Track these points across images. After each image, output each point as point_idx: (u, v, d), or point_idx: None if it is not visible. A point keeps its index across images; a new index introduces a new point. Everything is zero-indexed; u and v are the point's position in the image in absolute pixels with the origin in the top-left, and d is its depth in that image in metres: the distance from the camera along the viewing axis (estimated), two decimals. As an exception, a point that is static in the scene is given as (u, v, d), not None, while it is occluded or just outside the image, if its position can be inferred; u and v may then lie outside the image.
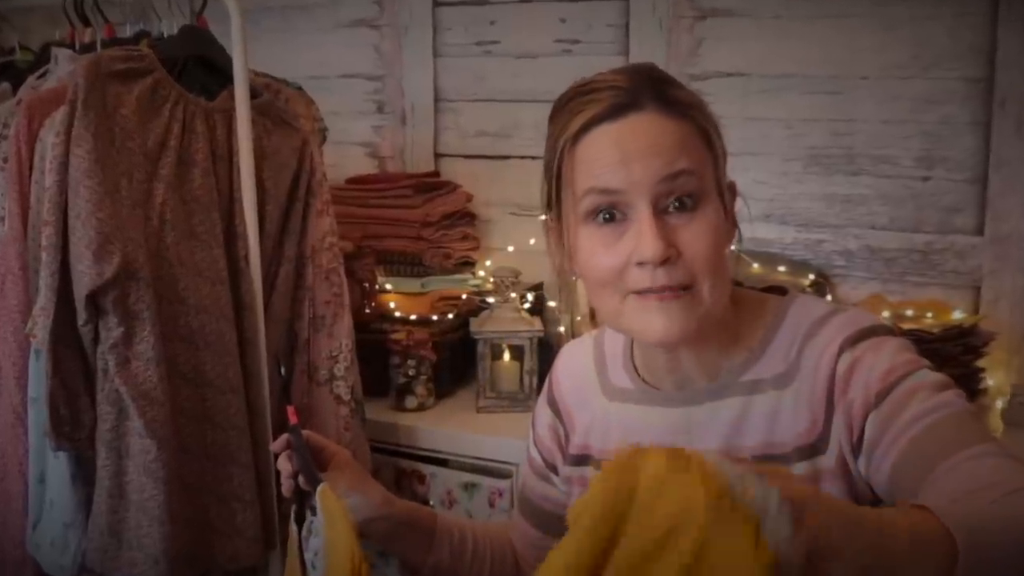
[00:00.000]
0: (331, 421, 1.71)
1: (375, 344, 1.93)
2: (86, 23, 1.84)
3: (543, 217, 1.04)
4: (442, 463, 1.85)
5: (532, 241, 2.05)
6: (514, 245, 2.20)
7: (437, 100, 2.30)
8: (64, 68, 1.65)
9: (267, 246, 1.66)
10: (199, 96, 1.58)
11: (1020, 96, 1.77)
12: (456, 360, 2.02)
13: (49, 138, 1.46)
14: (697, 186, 0.93)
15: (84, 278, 1.41)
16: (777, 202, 2.00)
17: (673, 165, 0.91)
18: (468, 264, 2.19)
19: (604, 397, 1.09)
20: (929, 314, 1.76)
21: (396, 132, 2.37)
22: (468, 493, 1.79)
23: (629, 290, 0.93)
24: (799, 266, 1.94)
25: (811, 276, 1.92)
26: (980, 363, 1.68)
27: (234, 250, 1.61)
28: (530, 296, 2.01)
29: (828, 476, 0.92)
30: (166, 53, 1.59)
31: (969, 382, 1.63)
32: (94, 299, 1.43)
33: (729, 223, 0.99)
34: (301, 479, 1.09)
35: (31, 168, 1.51)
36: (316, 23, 2.40)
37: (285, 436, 1.11)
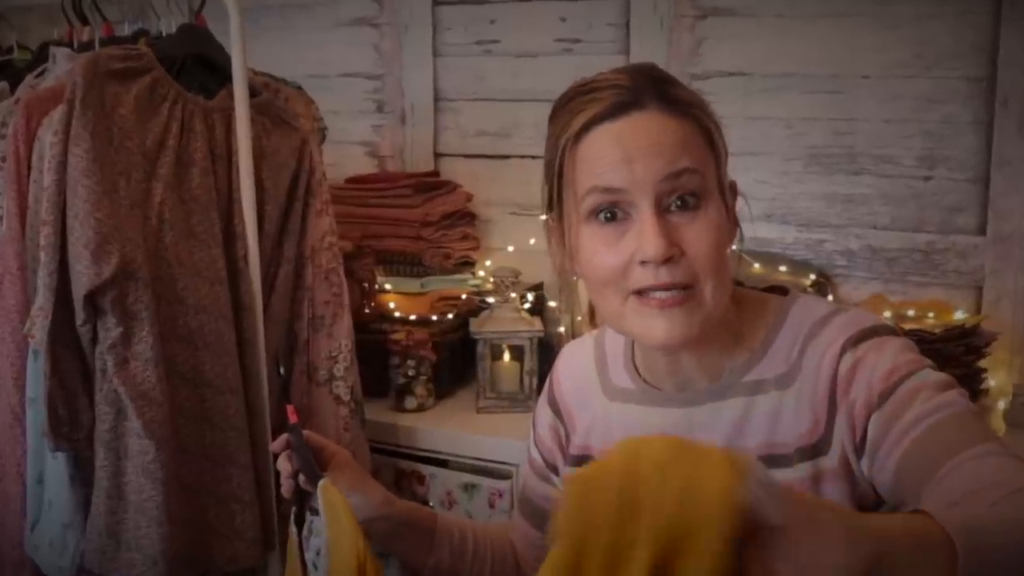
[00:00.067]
0: (330, 422, 1.71)
1: (375, 344, 1.92)
2: (84, 22, 1.84)
3: (543, 217, 1.04)
4: (442, 464, 1.84)
5: (532, 241, 2.05)
6: (514, 245, 2.19)
7: (437, 99, 2.30)
8: (62, 67, 1.64)
9: (266, 246, 1.66)
10: (198, 95, 1.58)
11: (1022, 95, 1.77)
12: (456, 360, 2.01)
13: (47, 137, 1.46)
14: (699, 185, 0.92)
15: (82, 278, 1.41)
16: (778, 202, 2.00)
17: (675, 164, 0.91)
18: (468, 264, 2.18)
19: (605, 397, 1.09)
20: (931, 314, 1.76)
21: (396, 131, 2.36)
22: (468, 494, 1.79)
23: (631, 289, 0.93)
24: (800, 266, 1.94)
25: (812, 276, 1.92)
26: (982, 363, 1.67)
27: (233, 250, 1.60)
28: (530, 296, 2.01)
29: (830, 477, 0.92)
30: (164, 52, 1.58)
31: (971, 382, 1.63)
32: (92, 299, 1.42)
33: (731, 222, 0.99)
34: (301, 478, 1.08)
35: (29, 167, 1.51)
36: (315, 22, 2.40)
37: (285, 436, 1.10)
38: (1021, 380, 1.78)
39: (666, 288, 0.91)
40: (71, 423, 1.47)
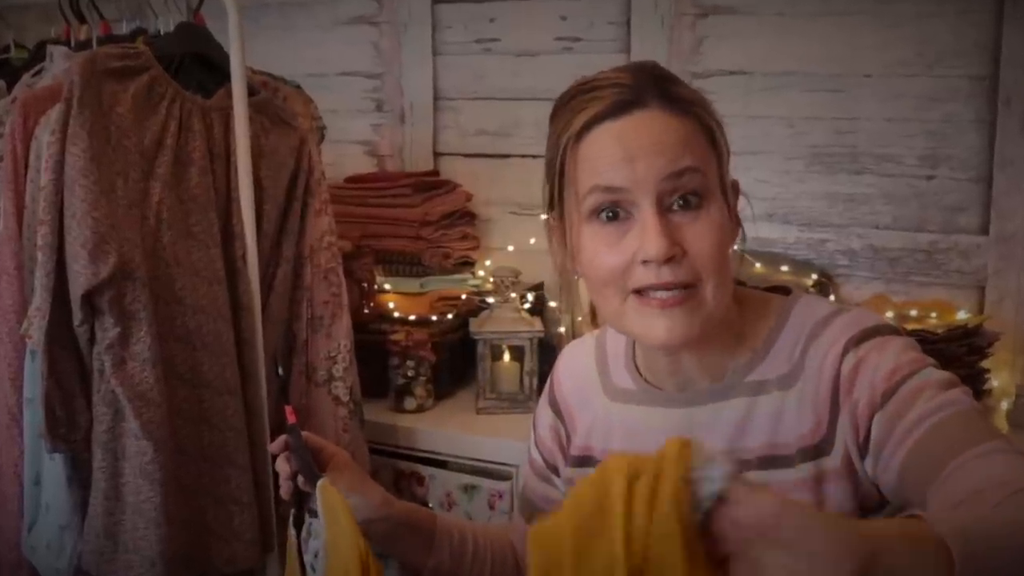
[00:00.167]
0: (329, 422, 1.71)
1: (374, 345, 1.92)
2: (82, 20, 1.84)
3: (544, 216, 1.03)
4: (441, 465, 1.84)
5: (532, 240, 2.05)
6: (514, 245, 2.19)
7: (436, 98, 2.30)
8: (59, 66, 1.64)
9: (265, 246, 1.65)
10: (196, 94, 1.58)
11: (1025, 94, 1.77)
12: (455, 361, 2.01)
13: (45, 136, 1.46)
14: (701, 184, 0.92)
15: (80, 278, 1.40)
16: (779, 201, 1.99)
17: (677, 163, 0.91)
18: (468, 264, 2.18)
19: (606, 397, 1.09)
20: (933, 314, 1.76)
21: (395, 130, 2.36)
22: (468, 495, 1.79)
23: (631, 289, 0.92)
24: (802, 266, 1.94)
25: (814, 276, 1.92)
26: (984, 364, 1.67)
27: (231, 250, 1.60)
28: (530, 296, 2.01)
29: (833, 477, 0.91)
30: (162, 50, 1.58)
31: (974, 383, 1.63)
32: (90, 299, 1.42)
33: (733, 222, 0.98)
34: (300, 480, 1.08)
35: (26, 167, 1.51)
36: (314, 20, 2.39)
37: (283, 437, 1.10)
38: (1024, 380, 1.78)
39: (667, 288, 0.91)
40: (68, 424, 1.46)
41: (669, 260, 0.90)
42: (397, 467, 1.86)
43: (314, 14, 2.39)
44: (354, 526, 1.02)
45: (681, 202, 0.92)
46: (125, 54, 1.51)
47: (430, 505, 1.80)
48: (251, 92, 1.61)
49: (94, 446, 1.46)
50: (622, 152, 0.91)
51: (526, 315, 1.92)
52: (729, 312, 0.97)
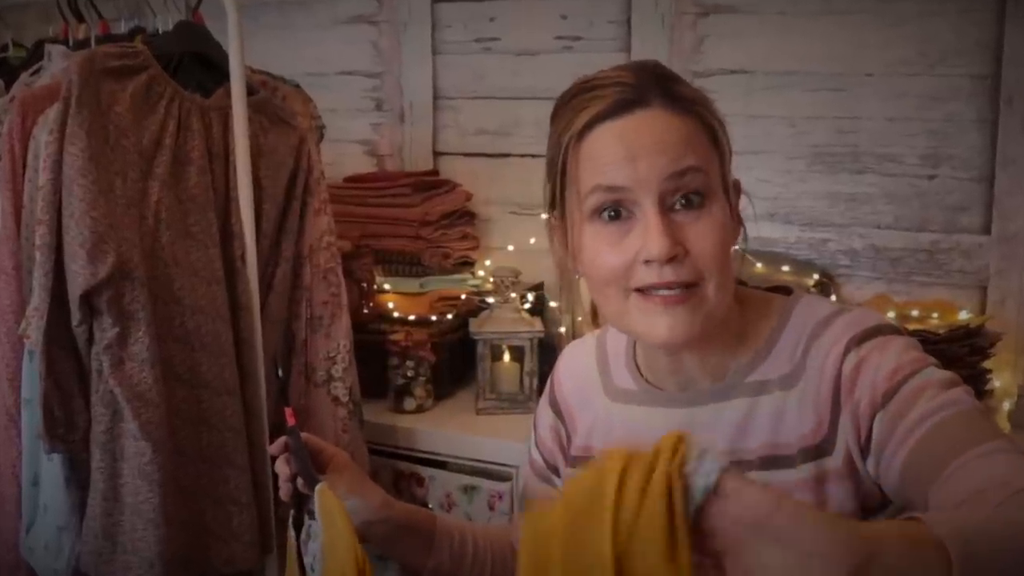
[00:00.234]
0: (329, 423, 1.71)
1: (373, 345, 1.91)
2: (80, 19, 1.83)
3: (544, 215, 1.03)
4: (441, 465, 1.83)
5: (532, 240, 2.04)
6: (514, 244, 2.18)
7: (436, 98, 2.29)
8: (58, 65, 1.63)
9: (264, 245, 1.65)
10: (195, 93, 1.58)
11: (1027, 93, 1.76)
12: (455, 361, 2.00)
13: (42, 136, 1.45)
14: (704, 183, 0.92)
15: (78, 278, 1.40)
16: (781, 201, 1.99)
17: (680, 162, 0.91)
18: (467, 264, 2.18)
19: (607, 397, 1.08)
20: (935, 314, 1.75)
21: (395, 130, 2.35)
22: (467, 496, 1.78)
23: (633, 288, 0.92)
24: (803, 266, 1.94)
25: (815, 276, 1.91)
26: (986, 364, 1.67)
27: (230, 250, 1.60)
28: (530, 296, 2.00)
29: (834, 477, 0.91)
30: (161, 49, 1.58)
31: (975, 383, 1.62)
32: (88, 299, 1.42)
33: (734, 221, 0.98)
34: (299, 482, 1.08)
35: (24, 166, 1.50)
36: (314, 19, 2.39)
37: (283, 439, 1.10)
38: (1026, 381, 1.77)
39: (669, 287, 0.91)
40: (67, 424, 1.46)
41: (671, 260, 0.90)
42: (397, 468, 1.85)
43: (313, 13, 2.39)
44: (351, 531, 1.01)
45: (683, 201, 0.91)
46: (124, 53, 1.50)
47: (430, 506, 1.80)
48: (250, 91, 1.61)
49: (92, 447, 1.45)
50: (624, 151, 0.91)
51: (526, 315, 1.92)
52: (731, 312, 0.97)
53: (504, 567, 1.19)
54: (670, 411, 1.01)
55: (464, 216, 2.21)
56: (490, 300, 1.94)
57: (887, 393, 0.87)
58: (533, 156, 2.13)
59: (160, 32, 1.70)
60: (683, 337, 0.92)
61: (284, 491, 1.10)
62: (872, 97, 1.89)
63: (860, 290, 1.95)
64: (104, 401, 1.44)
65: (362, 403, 1.77)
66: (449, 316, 2.00)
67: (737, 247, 0.99)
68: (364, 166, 2.38)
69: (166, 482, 1.45)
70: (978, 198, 1.84)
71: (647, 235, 0.90)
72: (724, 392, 0.98)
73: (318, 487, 1.04)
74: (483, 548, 1.18)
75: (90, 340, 1.44)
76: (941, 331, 1.62)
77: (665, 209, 0.91)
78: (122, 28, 1.79)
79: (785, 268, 1.89)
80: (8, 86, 1.73)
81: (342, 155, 2.33)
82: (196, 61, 1.61)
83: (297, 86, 1.87)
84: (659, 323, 0.91)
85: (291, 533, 1.09)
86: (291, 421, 1.10)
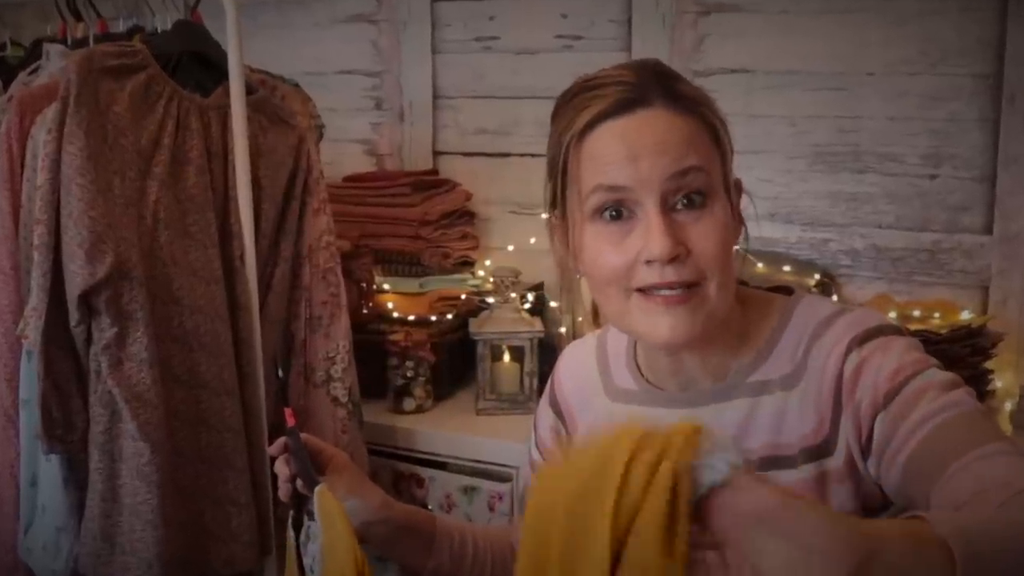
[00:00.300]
0: (328, 423, 1.70)
1: (373, 345, 1.91)
2: (78, 18, 1.83)
3: (544, 215, 1.03)
4: (441, 466, 1.83)
5: (532, 240, 2.04)
6: (514, 244, 2.18)
7: (436, 97, 2.29)
8: (56, 64, 1.63)
9: (263, 245, 1.65)
10: (194, 92, 1.57)
11: (1030, 92, 1.76)
12: (455, 361, 2.00)
13: (41, 135, 1.45)
14: (706, 183, 0.92)
15: (76, 278, 1.40)
16: (782, 200, 1.99)
17: (682, 162, 0.90)
18: (467, 264, 2.18)
19: (607, 397, 1.08)
20: (936, 315, 1.75)
21: (394, 129, 2.35)
22: (467, 497, 1.78)
23: (635, 288, 0.92)
24: (804, 266, 1.93)
25: (817, 276, 1.91)
26: (988, 364, 1.66)
27: (229, 249, 1.59)
28: (530, 296, 2.00)
29: (835, 478, 0.91)
30: (160, 49, 1.57)
31: (977, 384, 1.62)
32: (86, 299, 1.41)
33: (736, 221, 0.98)
34: (299, 483, 1.08)
35: (22, 166, 1.50)
36: (313, 18, 2.39)
37: (282, 439, 1.10)
38: (1028, 381, 1.77)
39: (671, 287, 0.90)
40: (65, 425, 1.46)
41: (673, 260, 0.89)
42: (396, 469, 1.85)
43: (312, 12, 2.38)
44: (350, 532, 1.02)
45: (685, 201, 0.91)
46: (122, 52, 1.50)
47: (429, 507, 1.79)
48: (249, 91, 1.60)
49: (91, 447, 1.45)
50: (626, 151, 0.90)
51: (526, 315, 1.91)
52: (732, 312, 0.97)
53: (504, 568, 1.19)
54: (671, 411, 1.01)
55: (464, 216, 2.20)
56: (490, 300, 1.94)
57: (888, 394, 0.87)
58: (533, 156, 2.12)
59: (159, 31, 1.70)
60: (684, 337, 0.92)
61: (283, 492, 1.09)
62: (873, 96, 1.89)
63: (861, 290, 1.94)
64: (102, 402, 1.44)
65: (361, 404, 1.77)
66: (449, 316, 1.99)
67: (738, 247, 0.98)
68: (363, 165, 2.37)
69: (165, 483, 1.45)
70: (980, 198, 1.84)
71: (649, 235, 0.89)
72: (725, 392, 0.98)
73: (317, 488, 1.04)
74: (483, 549, 1.18)
75: (88, 340, 1.44)
76: (943, 331, 1.62)
77: (667, 209, 0.90)
78: (120, 27, 1.79)
79: (786, 268, 1.89)
80: (6, 85, 1.73)
81: (341, 154, 2.32)
82: (195, 60, 1.61)
83: (296, 85, 1.87)
84: (661, 323, 0.91)
85: (290, 534, 1.09)
86: (291, 422, 1.09)
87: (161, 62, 1.54)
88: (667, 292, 0.91)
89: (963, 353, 1.61)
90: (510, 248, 2.19)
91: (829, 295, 1.88)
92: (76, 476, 1.49)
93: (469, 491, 1.78)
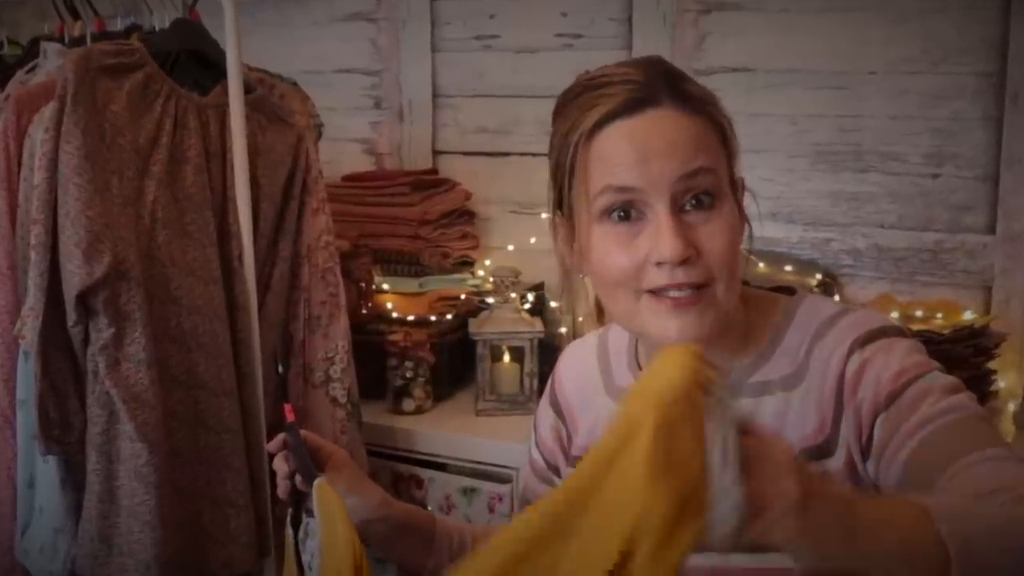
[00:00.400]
0: (327, 424, 1.70)
1: (372, 345, 1.90)
2: (76, 16, 1.83)
3: (545, 215, 1.02)
4: (440, 467, 1.82)
5: (533, 240, 2.03)
6: (514, 244, 2.17)
7: (435, 96, 2.28)
8: (53, 62, 1.62)
9: (261, 245, 1.64)
10: (192, 91, 1.57)
11: (1032, 91, 1.75)
12: (455, 362, 1.99)
13: (38, 134, 1.45)
14: (714, 183, 0.91)
15: (74, 278, 1.39)
16: (783, 200, 1.98)
17: (691, 163, 0.90)
18: (467, 263, 2.17)
19: (608, 397, 1.08)
20: (939, 315, 1.74)
21: (393, 128, 2.34)
22: (467, 498, 1.77)
23: (644, 289, 0.91)
24: (806, 266, 1.92)
25: (818, 276, 1.90)
26: (991, 365, 1.66)
27: (227, 249, 1.59)
28: (530, 296, 1.99)
29: (836, 478, 0.90)
30: (158, 47, 1.57)
31: (980, 384, 1.61)
32: (84, 299, 1.41)
33: (741, 220, 0.97)
34: (298, 479, 1.07)
35: (20, 165, 1.50)
36: (312, 16, 2.38)
37: (281, 436, 1.09)
38: (1030, 381, 1.76)
39: (680, 288, 0.90)
40: (62, 426, 1.45)
41: (684, 261, 0.89)
42: (395, 469, 1.84)
43: (311, 10, 2.38)
44: (350, 527, 1.01)
45: (694, 202, 0.90)
46: (120, 51, 1.50)
47: (429, 508, 1.79)
48: (247, 89, 1.60)
49: (88, 448, 1.45)
50: (636, 152, 0.89)
51: (526, 315, 1.91)
52: (735, 312, 0.96)
53: (504, 570, 1.18)
54: (672, 411, 1.00)
55: (463, 215, 2.20)
56: (490, 300, 1.93)
57: (890, 396, 0.87)
58: (533, 155, 2.12)
59: (156, 29, 1.69)
60: (693, 339, 0.90)
61: (282, 488, 1.09)
62: (875, 95, 1.88)
63: (863, 290, 1.94)
64: (100, 402, 1.43)
65: (360, 404, 1.77)
66: (448, 316, 1.99)
67: (743, 247, 0.98)
68: (362, 165, 2.37)
69: (162, 484, 1.44)
70: (983, 197, 1.83)
71: (659, 237, 0.89)
72: (726, 392, 0.97)
73: (317, 482, 1.04)
74: (483, 550, 1.17)
75: (86, 340, 1.43)
76: (945, 331, 1.61)
77: (676, 210, 0.90)
78: (118, 25, 1.78)
79: (788, 268, 1.88)
80: (3, 84, 1.72)
81: (340, 154, 2.32)
82: (193, 59, 1.61)
83: (295, 84, 1.87)
84: (670, 325, 0.91)
85: (289, 531, 1.09)
86: (290, 417, 1.09)
87: (159, 61, 1.54)
88: (677, 294, 0.90)
89: (966, 353, 1.60)
90: (510, 248, 2.18)
91: (831, 295, 1.87)
92: (73, 477, 1.49)
93: (469, 492, 1.77)
